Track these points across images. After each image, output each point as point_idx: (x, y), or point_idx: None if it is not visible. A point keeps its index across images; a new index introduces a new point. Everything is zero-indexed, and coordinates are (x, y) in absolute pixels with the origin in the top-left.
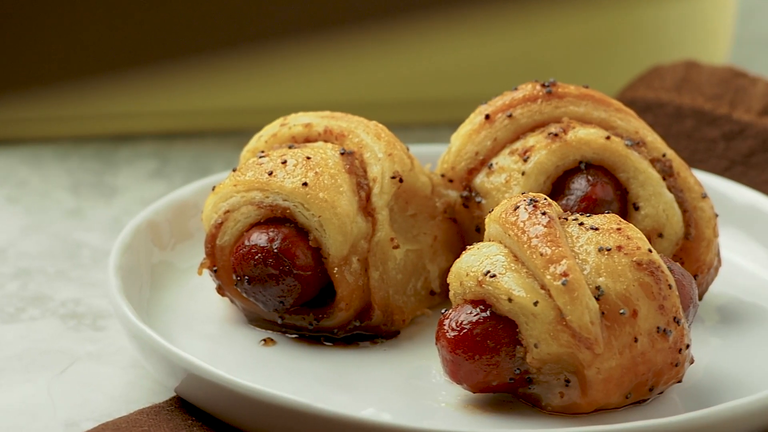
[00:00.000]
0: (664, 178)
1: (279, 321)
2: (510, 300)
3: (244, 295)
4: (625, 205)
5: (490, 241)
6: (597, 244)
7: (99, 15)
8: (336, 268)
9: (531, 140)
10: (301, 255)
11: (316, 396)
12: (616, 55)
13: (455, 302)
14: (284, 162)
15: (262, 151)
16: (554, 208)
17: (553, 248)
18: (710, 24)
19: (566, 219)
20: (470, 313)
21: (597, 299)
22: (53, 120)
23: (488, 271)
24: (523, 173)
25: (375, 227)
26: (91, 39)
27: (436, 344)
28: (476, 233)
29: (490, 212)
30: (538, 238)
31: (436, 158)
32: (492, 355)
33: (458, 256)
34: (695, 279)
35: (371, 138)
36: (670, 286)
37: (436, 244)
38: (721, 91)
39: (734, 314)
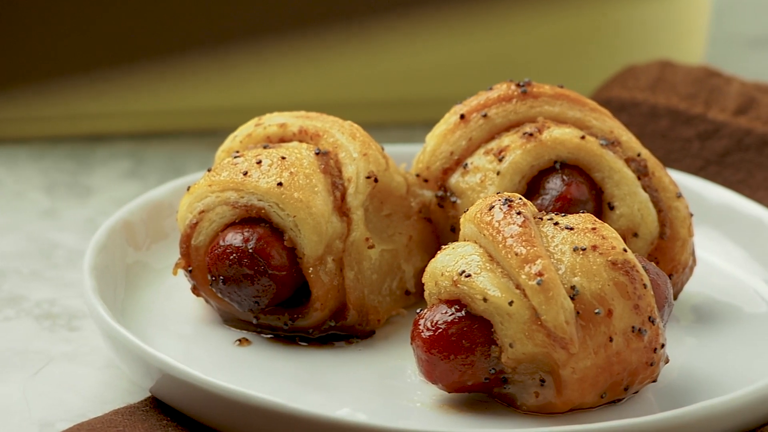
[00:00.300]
0: (639, 178)
1: (254, 321)
2: (485, 300)
3: (219, 295)
4: (600, 205)
5: (465, 240)
6: (572, 243)
7: (73, 16)
8: (311, 268)
9: (506, 140)
10: (276, 255)
11: (291, 396)
12: (590, 55)
13: (430, 302)
14: (259, 162)
15: (237, 151)
16: (529, 207)
17: (528, 248)
18: (685, 24)
19: (541, 219)
20: (445, 312)
21: (572, 299)
22: (28, 120)
23: (463, 271)
24: (498, 173)
25: (350, 227)
26: (66, 40)
27: (411, 344)
28: (451, 233)
29: (465, 212)
30: (513, 237)
31: (411, 158)
32: (467, 354)
33: (433, 256)
34: (670, 278)
35: (346, 138)
36: (645, 286)
37: (411, 244)
38: (696, 91)
39: (709, 313)
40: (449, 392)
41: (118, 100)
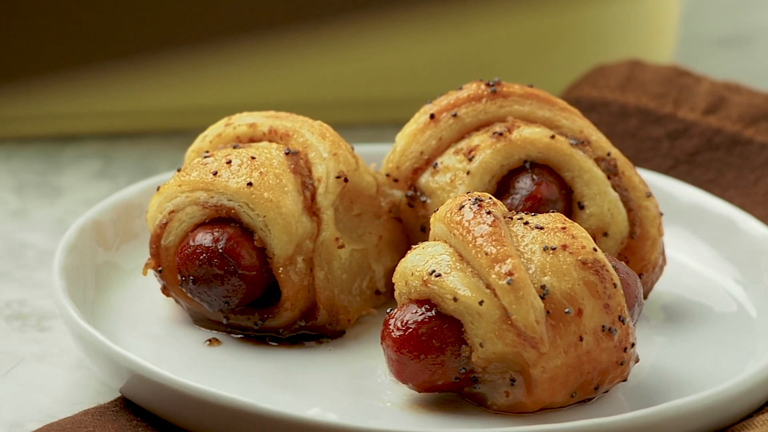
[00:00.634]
0: (608, 177)
1: (224, 321)
2: (455, 299)
3: (189, 295)
4: (570, 204)
5: (435, 240)
6: (542, 243)
7: (39, 15)
8: (281, 268)
9: (476, 139)
10: (246, 255)
11: (262, 396)
12: (560, 54)
13: (400, 302)
14: (229, 162)
15: (207, 151)
16: (499, 207)
17: (498, 247)
18: (654, 23)
19: (511, 218)
20: (415, 312)
21: (542, 298)
22: None
23: (433, 271)
24: (468, 173)
25: (320, 227)
26: (34, 40)
27: (382, 344)
28: (421, 233)
29: (435, 212)
30: (483, 237)
31: (380, 158)
32: (437, 354)
33: (403, 256)
34: (640, 278)
35: (316, 138)
36: (615, 285)
37: (381, 244)
38: (666, 90)
39: (679, 313)
40: (419, 392)
41: (88, 101)
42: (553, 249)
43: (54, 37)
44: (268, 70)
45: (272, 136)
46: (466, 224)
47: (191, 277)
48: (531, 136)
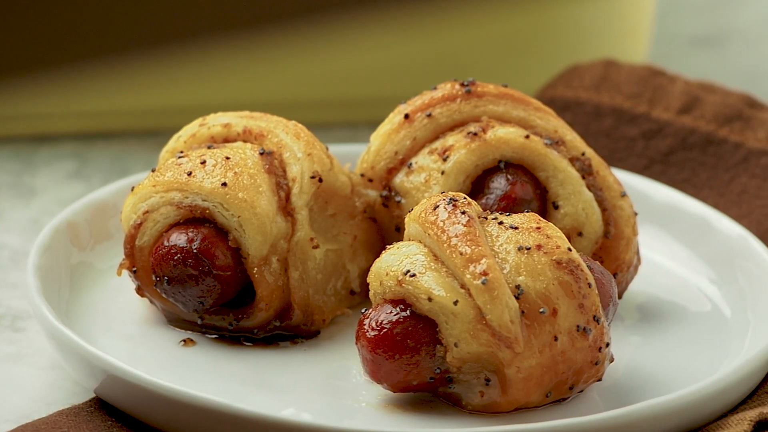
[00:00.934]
0: (583, 177)
1: (199, 321)
2: (430, 299)
3: (164, 295)
4: (544, 204)
5: (409, 240)
6: (516, 243)
7: (11, 16)
8: (256, 268)
9: (450, 139)
10: (221, 255)
11: (236, 396)
12: (534, 54)
13: (375, 302)
14: (203, 162)
15: (181, 152)
16: (474, 207)
17: (473, 247)
18: (629, 23)
19: (486, 218)
20: (390, 312)
21: (517, 298)
22: None
23: (408, 271)
24: (442, 172)
25: (294, 227)
26: (5, 40)
27: (357, 344)
28: (396, 233)
29: (409, 212)
30: (457, 237)
31: (355, 158)
32: (412, 354)
33: (378, 256)
34: (615, 277)
35: (290, 138)
36: (589, 285)
37: (355, 244)
38: (640, 90)
39: (653, 312)
40: (394, 392)
41: (62, 101)
42: (528, 249)
43: (27, 37)
44: (242, 70)
45: (247, 136)
46: (441, 224)
47: (166, 278)
48: (505, 135)
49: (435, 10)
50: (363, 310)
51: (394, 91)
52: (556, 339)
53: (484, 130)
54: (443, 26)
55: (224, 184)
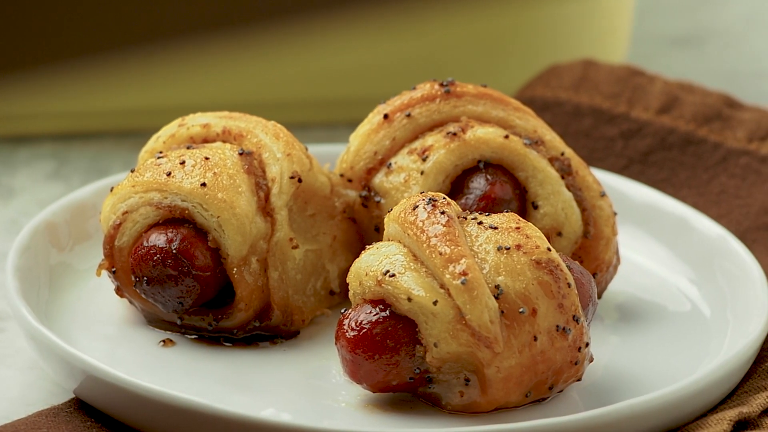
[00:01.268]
0: (562, 177)
1: (178, 322)
2: (409, 299)
3: (143, 296)
4: (523, 204)
5: (389, 240)
6: (496, 243)
7: None
8: (235, 269)
9: (430, 139)
10: (200, 255)
11: (216, 397)
12: (513, 54)
13: (355, 302)
14: (183, 163)
15: (161, 152)
16: (453, 207)
17: (452, 247)
18: (608, 22)
19: (465, 218)
20: (369, 312)
21: (496, 298)
22: None
23: (387, 271)
24: (422, 173)
25: (274, 227)
26: None
27: (336, 344)
28: (375, 233)
29: (389, 212)
30: (437, 237)
31: (334, 158)
32: (392, 354)
33: (357, 256)
34: (594, 277)
35: (270, 138)
36: (569, 285)
37: (335, 244)
38: (619, 90)
39: (633, 312)
40: (374, 392)
41: (41, 101)
42: (507, 249)
43: (3, 38)
44: (221, 70)
45: (226, 136)
46: (420, 224)
47: (145, 278)
48: (485, 135)
49: (414, 10)
50: (342, 311)
51: (374, 91)
52: (535, 339)
53: (463, 130)
54: (422, 26)
55: (203, 185)
